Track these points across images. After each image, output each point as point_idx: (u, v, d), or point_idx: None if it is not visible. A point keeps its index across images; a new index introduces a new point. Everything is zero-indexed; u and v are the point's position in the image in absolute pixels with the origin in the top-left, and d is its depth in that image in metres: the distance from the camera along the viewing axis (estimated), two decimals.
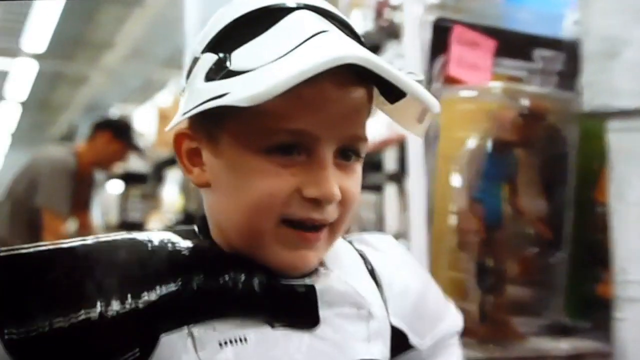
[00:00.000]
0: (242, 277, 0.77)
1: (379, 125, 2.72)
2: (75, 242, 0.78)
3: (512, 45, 1.56)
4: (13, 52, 8.13)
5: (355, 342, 0.81)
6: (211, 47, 0.78)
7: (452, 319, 0.99)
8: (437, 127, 1.46)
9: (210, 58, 0.76)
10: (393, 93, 0.76)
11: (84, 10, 7.05)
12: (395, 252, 0.95)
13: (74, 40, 7.81)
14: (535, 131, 1.45)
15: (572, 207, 1.48)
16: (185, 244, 0.80)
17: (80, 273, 0.74)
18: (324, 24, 0.75)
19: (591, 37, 1.39)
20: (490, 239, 1.41)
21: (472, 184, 1.42)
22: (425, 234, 1.46)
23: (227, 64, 0.74)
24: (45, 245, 0.77)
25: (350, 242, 0.92)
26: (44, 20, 6.97)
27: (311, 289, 0.79)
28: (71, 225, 3.71)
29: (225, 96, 0.70)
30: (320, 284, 0.80)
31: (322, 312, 0.79)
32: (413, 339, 0.90)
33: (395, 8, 2.69)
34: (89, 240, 0.78)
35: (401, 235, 2.81)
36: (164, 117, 5.08)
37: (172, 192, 5.54)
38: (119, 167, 5.02)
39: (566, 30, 1.60)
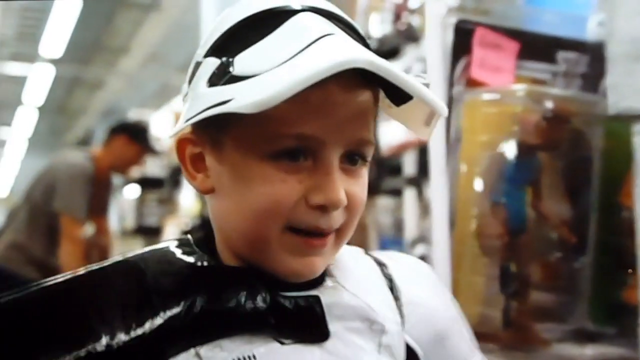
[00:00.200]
0: (247, 294, 0.75)
1: (397, 129, 2.71)
2: (67, 276, 0.77)
3: (535, 47, 1.54)
4: (30, 57, 8.19)
5: (366, 357, 0.79)
6: (214, 51, 0.76)
7: None
8: (460, 130, 1.45)
9: (213, 62, 0.75)
10: (399, 96, 0.74)
11: (101, 15, 7.09)
12: (428, 277, 0.93)
13: (90, 46, 7.86)
14: (560, 134, 1.43)
15: (596, 211, 1.46)
16: (184, 261, 0.78)
17: (78, 307, 0.73)
18: (329, 26, 0.74)
19: (616, 39, 1.37)
20: (513, 243, 1.39)
21: (495, 187, 1.40)
22: (448, 239, 1.44)
23: (231, 68, 0.72)
24: (37, 285, 0.76)
25: (370, 255, 0.91)
26: (61, 26, 7.01)
27: (317, 301, 0.78)
28: (89, 229, 3.71)
29: (229, 102, 0.68)
30: (328, 298, 0.79)
31: (332, 326, 0.77)
32: None
33: (413, 11, 2.69)
34: (81, 271, 0.77)
35: (420, 240, 2.80)
36: None
37: (188, 197, 5.55)
38: (135, 172, 5.03)
39: (590, 32, 1.58)
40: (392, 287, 0.87)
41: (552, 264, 1.44)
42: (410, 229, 2.92)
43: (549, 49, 1.56)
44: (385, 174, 2.89)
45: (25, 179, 3.95)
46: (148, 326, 0.72)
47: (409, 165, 2.84)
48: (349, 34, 0.76)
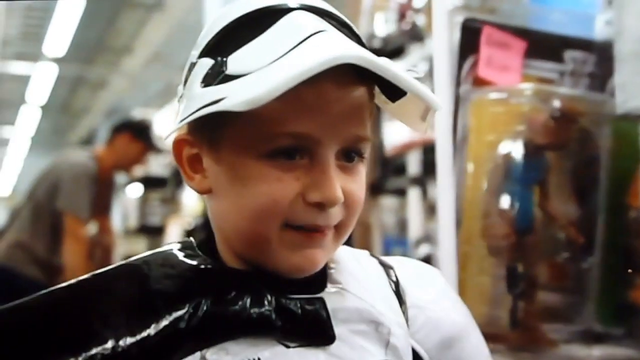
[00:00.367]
0: (252, 297, 0.75)
1: (401, 128, 2.70)
2: (72, 281, 0.77)
3: (543, 46, 1.53)
4: (34, 56, 8.20)
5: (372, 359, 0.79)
6: (208, 51, 0.77)
7: None
8: (466, 129, 1.44)
9: (207, 63, 0.75)
10: (394, 91, 0.74)
11: (104, 15, 7.09)
12: (436, 282, 0.93)
13: (94, 45, 7.86)
14: (567, 134, 1.42)
15: (604, 211, 1.45)
16: (187, 264, 0.78)
17: (84, 312, 0.74)
18: (321, 23, 0.74)
19: (625, 38, 1.36)
20: (520, 243, 1.38)
21: (503, 187, 1.39)
22: (454, 239, 1.43)
23: (224, 68, 0.73)
24: (43, 293, 0.77)
25: (376, 257, 0.90)
26: (64, 25, 7.01)
27: (322, 304, 0.78)
28: (92, 229, 3.71)
29: (221, 101, 0.69)
30: (332, 302, 0.78)
31: (337, 329, 0.77)
32: None
33: (418, 11, 2.69)
34: (85, 277, 0.78)
35: (424, 239, 2.80)
36: None
37: (191, 196, 5.54)
38: (139, 171, 5.02)
39: (598, 30, 1.57)
40: (398, 291, 0.87)
41: (560, 265, 1.43)
42: (414, 229, 2.92)
43: (556, 48, 1.54)
44: (389, 173, 2.89)
45: (28, 178, 3.95)
46: (152, 329, 0.72)
47: (413, 165, 2.84)
48: (342, 31, 0.75)
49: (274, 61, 0.69)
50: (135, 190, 6.16)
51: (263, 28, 0.73)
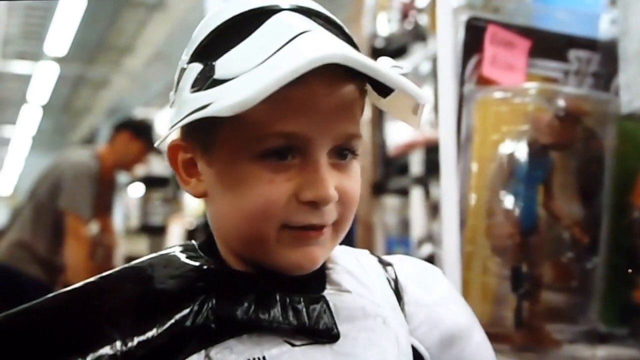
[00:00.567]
0: (255, 296, 0.76)
1: (403, 128, 2.70)
2: (78, 284, 0.78)
3: (547, 45, 1.53)
4: (35, 55, 8.19)
5: (376, 351, 0.79)
6: (196, 56, 0.77)
7: None
8: (471, 128, 1.43)
9: (196, 67, 0.75)
10: (384, 87, 0.75)
11: (106, 14, 7.08)
12: (437, 281, 0.93)
13: (95, 44, 7.85)
14: (572, 133, 1.41)
15: (609, 211, 1.45)
16: (189, 265, 0.79)
17: (91, 313, 0.74)
18: (307, 23, 0.74)
19: (630, 38, 1.36)
20: (525, 243, 1.38)
21: (507, 187, 1.39)
22: (458, 238, 1.42)
23: (212, 72, 0.73)
24: (50, 296, 0.77)
25: (375, 256, 0.91)
26: (66, 24, 7.00)
27: (325, 302, 0.78)
28: (93, 228, 3.70)
29: (208, 107, 0.69)
30: (335, 301, 0.79)
31: (342, 327, 0.78)
32: None
33: (420, 10, 2.68)
34: (91, 280, 0.78)
35: (427, 239, 2.80)
36: None
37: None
38: (140, 171, 5.02)
39: (602, 30, 1.56)
40: (396, 288, 0.87)
41: (564, 265, 1.43)
42: (417, 229, 2.91)
43: (560, 47, 1.54)
44: (392, 173, 2.88)
45: (29, 177, 3.95)
46: (159, 329, 0.73)
47: (416, 165, 2.83)
48: (330, 30, 0.75)
49: (260, 64, 0.69)
50: (136, 190, 6.15)
51: (250, 31, 0.74)
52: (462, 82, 1.45)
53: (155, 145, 0.82)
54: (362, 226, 2.80)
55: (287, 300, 0.76)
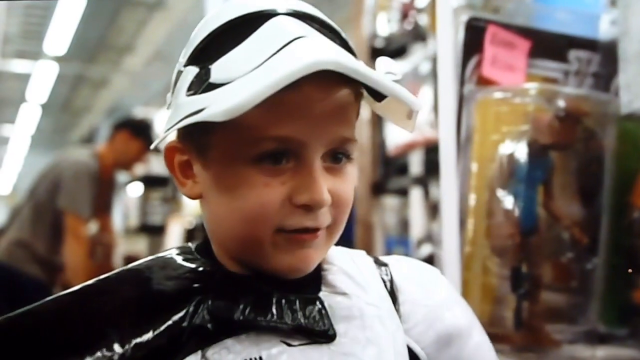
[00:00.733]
0: (252, 297, 0.76)
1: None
2: (78, 287, 0.79)
3: (547, 45, 1.53)
4: (35, 54, 8.18)
5: (373, 350, 0.79)
6: (193, 59, 0.78)
7: None
8: (471, 129, 1.43)
9: (192, 71, 0.76)
10: (379, 92, 0.75)
11: (105, 13, 7.09)
12: (435, 281, 0.93)
13: (95, 43, 7.85)
14: (572, 134, 1.41)
15: (608, 211, 1.45)
16: (186, 267, 0.80)
17: (90, 315, 0.75)
18: (302, 28, 0.74)
19: (630, 38, 1.36)
20: (525, 243, 1.38)
21: (507, 187, 1.39)
22: (458, 239, 1.42)
23: (208, 76, 0.74)
24: (50, 299, 0.78)
25: (372, 257, 0.91)
26: (65, 23, 7.00)
27: (320, 303, 0.79)
28: (92, 227, 3.70)
29: (203, 111, 0.70)
30: (330, 301, 0.80)
31: (338, 327, 0.78)
32: None
33: (420, 10, 2.68)
34: (89, 282, 0.79)
35: (426, 240, 2.80)
36: None
37: None
38: (139, 170, 5.02)
39: (602, 30, 1.56)
40: (392, 288, 0.87)
41: (564, 265, 1.43)
42: (416, 229, 2.91)
43: (560, 48, 1.54)
44: (392, 173, 2.88)
45: (29, 176, 3.95)
46: (157, 329, 0.74)
47: (416, 165, 2.83)
48: (326, 35, 0.76)
49: (254, 69, 0.70)
50: (136, 189, 6.14)
51: (245, 35, 0.74)
52: (462, 83, 1.45)
53: (152, 147, 0.82)
54: (361, 226, 2.80)
55: (284, 300, 0.77)
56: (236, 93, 0.68)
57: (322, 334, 0.77)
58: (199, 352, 0.73)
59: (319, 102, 0.73)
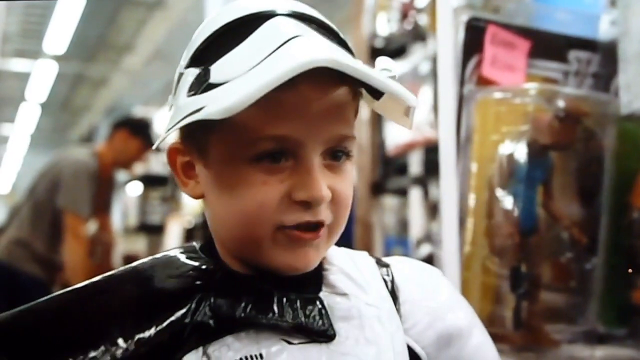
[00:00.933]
0: (254, 295, 0.77)
1: (403, 128, 2.70)
2: (80, 285, 0.80)
3: (547, 46, 1.53)
4: (34, 54, 8.18)
5: (373, 351, 0.80)
6: (193, 61, 0.79)
7: None
8: (471, 129, 1.43)
9: (193, 72, 0.77)
10: (376, 90, 0.76)
11: (105, 12, 7.08)
12: (436, 282, 0.93)
13: (94, 43, 7.85)
14: (572, 134, 1.41)
15: (608, 211, 1.45)
16: (189, 265, 0.80)
17: (92, 313, 0.76)
18: (300, 28, 0.75)
19: (630, 38, 1.36)
20: (524, 243, 1.38)
21: (507, 187, 1.39)
22: (457, 239, 1.43)
23: (207, 77, 0.74)
24: (51, 296, 0.79)
25: (374, 257, 0.91)
26: (65, 23, 7.00)
27: (320, 302, 0.80)
28: (92, 227, 3.70)
29: (201, 110, 0.70)
30: (330, 301, 0.80)
31: (337, 326, 0.79)
32: None
33: (420, 10, 2.68)
34: (93, 280, 0.80)
35: (425, 239, 2.79)
36: None
37: None
38: (139, 169, 5.02)
39: (602, 30, 1.56)
40: (392, 288, 0.87)
41: (563, 265, 1.43)
42: (416, 229, 2.91)
43: (560, 48, 1.54)
44: (391, 173, 2.88)
45: (28, 175, 3.95)
46: (159, 326, 0.74)
47: (415, 165, 2.83)
48: (324, 35, 0.77)
49: (251, 68, 0.71)
50: (135, 189, 6.15)
51: (244, 36, 0.75)
52: (462, 83, 1.45)
53: (153, 147, 0.83)
54: (360, 226, 2.80)
55: (285, 299, 0.78)
56: (233, 92, 0.68)
57: (322, 334, 0.78)
58: (200, 349, 0.74)
59: (315, 101, 0.74)
